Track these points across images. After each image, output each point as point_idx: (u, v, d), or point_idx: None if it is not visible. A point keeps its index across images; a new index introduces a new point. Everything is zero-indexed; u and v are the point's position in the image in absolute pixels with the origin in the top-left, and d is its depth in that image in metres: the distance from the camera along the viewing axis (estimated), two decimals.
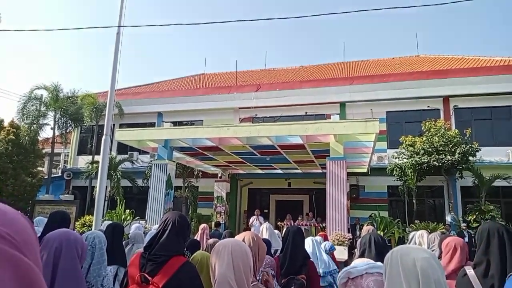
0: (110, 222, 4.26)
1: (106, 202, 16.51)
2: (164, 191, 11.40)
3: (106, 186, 15.30)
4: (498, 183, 13.59)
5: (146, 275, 1.97)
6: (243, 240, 1.85)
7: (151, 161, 15.04)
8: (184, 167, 16.09)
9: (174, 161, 12.60)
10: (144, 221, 11.14)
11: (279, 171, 16.61)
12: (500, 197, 14.53)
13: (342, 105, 16.91)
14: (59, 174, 20.34)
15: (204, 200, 17.64)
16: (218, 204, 16.70)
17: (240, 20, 15.94)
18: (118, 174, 15.93)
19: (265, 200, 19.21)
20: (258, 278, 2.14)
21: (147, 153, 16.06)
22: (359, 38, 65.71)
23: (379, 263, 1.79)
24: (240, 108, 18.16)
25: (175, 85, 21.98)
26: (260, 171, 16.97)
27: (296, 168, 15.70)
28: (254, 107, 17.46)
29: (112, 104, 7.38)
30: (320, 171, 15.18)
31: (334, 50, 69.26)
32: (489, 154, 14.53)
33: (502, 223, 12.24)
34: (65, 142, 20.29)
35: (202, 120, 18.44)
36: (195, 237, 5.64)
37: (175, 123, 15.99)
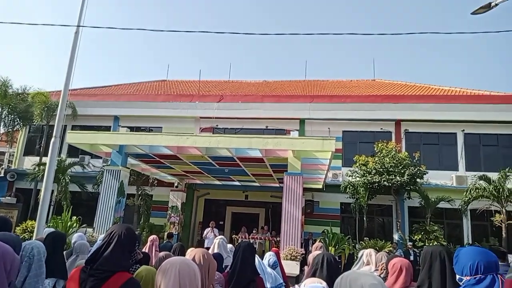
0: (52, 230, 3.98)
1: (51, 207, 15.52)
2: (115, 198, 10.91)
3: (53, 190, 14.42)
4: (442, 205, 14.44)
5: None
6: (194, 258, 1.79)
7: (103, 166, 14.41)
8: (139, 174, 15.56)
9: (128, 168, 12.14)
10: (92, 229, 10.57)
11: (237, 183, 16.56)
12: (444, 218, 15.44)
13: (302, 121, 17.30)
14: (2, 175, 18.88)
15: (158, 209, 17.12)
16: (172, 214, 16.26)
17: (204, 31, 15.91)
18: (66, 178, 15.06)
19: (221, 211, 19.01)
20: None
21: (100, 157, 15.36)
22: (321, 58, 68.05)
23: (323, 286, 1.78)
24: (201, 117, 17.98)
25: (134, 89, 21.37)
26: (217, 182, 16.81)
27: (254, 181, 15.73)
28: (216, 118, 17.37)
29: (65, 103, 7.02)
30: (277, 185, 15.31)
31: (297, 67, 71.12)
32: (435, 177, 15.44)
33: (444, 244, 13.02)
34: (11, 141, 18.93)
35: (161, 127, 18.03)
36: (143, 249, 5.42)
37: (132, 129, 15.49)
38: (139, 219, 16.38)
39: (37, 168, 15.64)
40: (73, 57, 7.00)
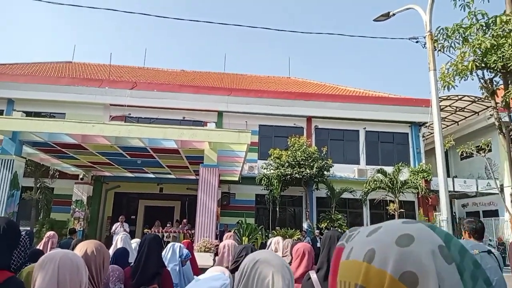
0: None
1: None
2: (7, 191, 9.65)
3: None
4: (346, 195, 15.78)
5: None
6: (86, 251, 1.63)
7: None
8: (37, 165, 13.98)
9: (24, 157, 10.80)
10: None
11: (151, 175, 15.92)
12: (347, 208, 16.91)
13: (220, 114, 17.30)
14: None
15: (60, 203, 15.61)
16: (77, 209, 14.98)
17: (111, 9, 14.73)
18: None
19: (133, 205, 18.13)
20: None
21: None
22: (240, 53, 68.81)
23: (218, 285, 1.78)
24: (111, 104, 16.81)
25: (33, 70, 19.07)
26: (129, 174, 15.93)
27: (170, 173, 15.28)
28: (128, 106, 16.41)
29: None
30: (193, 177, 15.11)
31: (215, 60, 70.81)
32: (340, 170, 16.78)
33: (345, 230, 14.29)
34: None
35: (64, 114, 16.40)
36: (38, 246, 4.88)
37: (29, 113, 13.84)
38: (38, 214, 14.76)
39: None
40: None
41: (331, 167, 15.13)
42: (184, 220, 15.70)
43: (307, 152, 14.68)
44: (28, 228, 11.09)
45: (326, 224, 14.61)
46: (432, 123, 7.65)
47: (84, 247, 1.68)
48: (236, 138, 9.82)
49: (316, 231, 14.47)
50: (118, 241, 4.43)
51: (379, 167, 15.52)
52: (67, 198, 15.37)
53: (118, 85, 17.02)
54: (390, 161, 16.76)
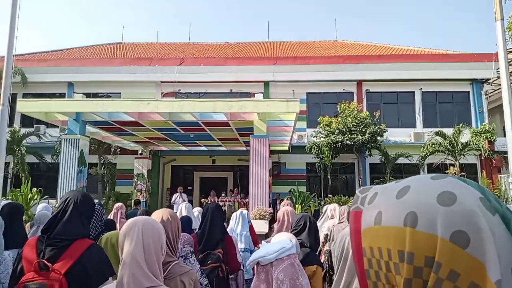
0: (8, 202, 3.79)
1: (8, 180, 14.79)
2: (76, 168, 10.54)
3: (8, 163, 13.71)
4: (401, 160, 15.21)
5: (46, 262, 1.75)
6: (162, 218, 1.76)
7: (60, 135, 13.75)
8: (100, 143, 15.03)
9: (88, 136, 11.65)
10: (55, 201, 10.22)
11: (203, 148, 16.46)
12: (403, 173, 16.33)
13: (266, 84, 17.19)
14: None
15: (123, 177, 16.79)
16: (138, 182, 16.03)
17: None
18: (22, 149, 14.30)
19: (189, 177, 18.98)
20: (178, 256, 2.07)
21: (56, 126, 14.60)
22: (283, 19, 66.91)
23: (289, 245, 1.80)
24: (162, 82, 17.37)
25: (88, 53, 20.11)
26: (183, 148, 16.62)
27: (221, 145, 15.70)
28: (177, 82, 16.85)
29: (10, 69, 6.47)
30: (244, 148, 15.39)
31: (259, 29, 69.62)
32: (395, 135, 16.12)
33: None
34: None
35: (120, 93, 17.27)
36: (108, 217, 5.33)
37: (88, 95, 14.74)
38: (104, 188, 16.02)
39: None
40: (14, 16, 6.38)
41: (384, 132, 14.57)
42: (236, 190, 16.23)
43: (358, 118, 14.22)
44: (97, 201, 12.12)
45: None
46: (497, 79, 7.01)
47: (160, 214, 1.81)
48: (284, 107, 9.75)
49: None
50: (183, 210, 4.69)
51: (437, 129, 14.66)
52: (129, 172, 16.47)
53: (166, 62, 17.48)
54: (449, 123, 15.76)
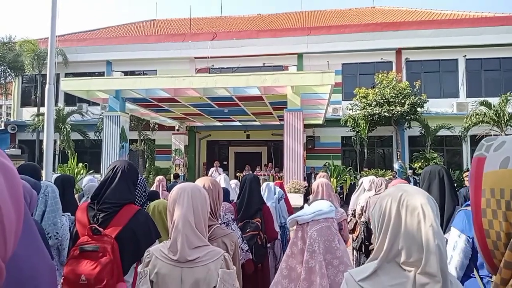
0: (59, 174, 4.08)
1: (56, 156, 15.78)
2: (118, 144, 11.03)
3: (55, 140, 14.55)
4: (442, 132, 14.60)
5: (97, 227, 1.91)
6: (204, 185, 1.84)
7: (102, 113, 14.35)
8: (139, 120, 15.56)
9: (128, 113, 12.10)
10: (100, 175, 10.84)
11: (238, 123, 16.60)
12: (444, 146, 15.71)
13: (300, 56, 16.84)
14: (2, 128, 18.89)
15: (161, 153, 17.39)
16: (176, 157, 16.56)
17: None
18: (67, 126, 15.11)
19: (224, 152, 19.32)
20: (220, 222, 2.17)
21: (98, 104, 15.25)
22: None
23: (328, 209, 1.83)
24: (195, 58, 17.48)
25: (124, 31, 20.51)
26: (218, 123, 16.85)
27: (255, 120, 15.75)
28: (211, 57, 16.89)
29: (54, 49, 6.76)
30: (277, 122, 15.36)
31: None
32: (436, 105, 15.41)
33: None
34: (5, 93, 18.67)
35: (155, 70, 17.62)
36: (151, 189, 5.59)
37: (126, 73, 15.20)
38: (144, 163, 16.71)
39: (36, 119, 15.63)
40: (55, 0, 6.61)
41: (425, 102, 13.95)
42: (270, 164, 16.35)
43: (397, 88, 13.68)
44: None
45: (420, 164, 13.84)
46: None
47: (202, 182, 1.90)
48: (319, 79, 9.54)
49: (409, 171, 13.85)
50: (222, 181, 4.83)
51: (482, 99, 13.82)
52: (167, 147, 17.03)
53: (199, 38, 17.51)
54: (495, 92, 14.79)
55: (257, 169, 15.46)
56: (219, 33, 17.75)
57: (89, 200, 2.10)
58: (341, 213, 3.24)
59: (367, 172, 13.61)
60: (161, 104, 12.48)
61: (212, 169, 14.00)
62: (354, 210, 5.07)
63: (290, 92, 10.12)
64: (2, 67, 16.91)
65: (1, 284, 0.49)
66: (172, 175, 11.55)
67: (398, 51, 16.25)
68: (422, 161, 13.87)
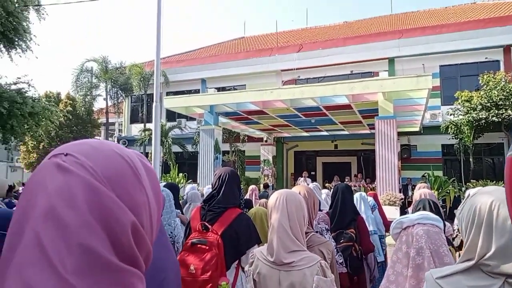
0: (166, 182, 4.55)
1: (159, 167, 17.45)
2: (212, 155, 11.79)
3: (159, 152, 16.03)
4: None
5: (206, 224, 2.16)
6: (299, 192, 1.90)
7: (198, 127, 15.48)
8: (230, 132, 16.41)
9: (220, 126, 12.87)
10: (197, 184, 11.67)
11: (325, 133, 16.40)
12: None
13: (391, 61, 16.02)
14: (115, 142, 21.58)
15: (251, 164, 18.01)
16: (265, 167, 17.00)
17: None
18: (169, 140, 16.64)
19: (312, 162, 19.20)
20: (315, 230, 2.21)
21: (194, 119, 16.52)
22: None
23: (434, 216, 1.74)
24: (282, 70, 17.85)
25: (216, 51, 21.97)
26: (305, 134, 16.88)
27: (343, 129, 15.39)
28: (297, 69, 17.08)
29: (159, 71, 7.60)
30: (368, 131, 14.78)
31: (380, 3, 64.73)
32: None
33: None
34: (117, 111, 21.38)
35: (245, 85, 18.44)
36: (245, 197, 5.87)
37: (218, 89, 16.18)
38: None
39: (143, 134, 17.53)
40: (159, 26, 7.44)
41: None
42: (359, 175, 15.70)
43: (507, 90, 12.08)
44: None
45: None
46: None
47: (298, 189, 1.97)
48: (414, 84, 8.97)
49: None
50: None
51: None
52: (256, 158, 17.59)
53: (286, 51, 17.86)
54: None
55: (346, 179, 14.99)
56: (305, 44, 17.88)
57: (191, 207, 2.38)
58: (447, 227, 2.99)
59: (474, 184, 12.20)
60: (250, 117, 13.00)
61: (300, 179, 14.01)
62: None
63: (382, 99, 9.71)
64: (115, 89, 19.43)
65: (147, 266, 0.54)
66: (262, 185, 11.89)
67: (507, 48, 14.40)
68: None
